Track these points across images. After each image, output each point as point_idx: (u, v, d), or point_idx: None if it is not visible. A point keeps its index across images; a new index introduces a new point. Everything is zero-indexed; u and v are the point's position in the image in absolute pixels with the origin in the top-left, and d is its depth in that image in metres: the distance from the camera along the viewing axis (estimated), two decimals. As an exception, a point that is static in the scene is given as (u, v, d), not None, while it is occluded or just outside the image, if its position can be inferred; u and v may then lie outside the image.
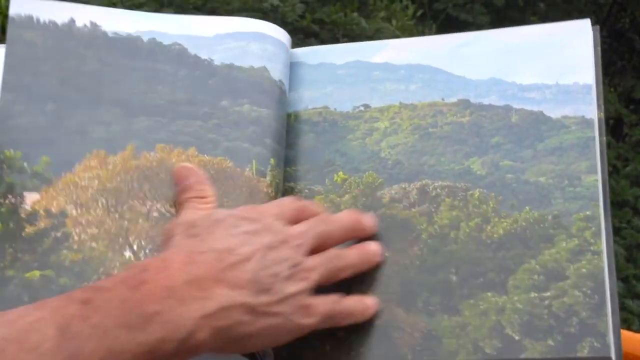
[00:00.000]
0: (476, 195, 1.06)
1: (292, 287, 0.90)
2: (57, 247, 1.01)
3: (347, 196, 1.09)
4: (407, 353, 0.99)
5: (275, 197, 1.06)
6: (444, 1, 3.99)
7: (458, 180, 1.08)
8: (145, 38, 1.14)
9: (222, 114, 1.10)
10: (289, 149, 1.13)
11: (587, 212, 1.01)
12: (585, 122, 1.07)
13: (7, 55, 1.08)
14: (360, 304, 0.99)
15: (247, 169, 1.07)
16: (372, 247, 1.02)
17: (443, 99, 1.14)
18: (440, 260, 1.03)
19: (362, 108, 1.16)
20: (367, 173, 1.10)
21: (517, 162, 1.07)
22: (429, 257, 1.03)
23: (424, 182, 1.08)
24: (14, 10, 1.10)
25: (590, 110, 1.07)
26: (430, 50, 1.17)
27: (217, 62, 1.14)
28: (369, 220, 1.04)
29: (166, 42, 1.14)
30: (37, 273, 0.99)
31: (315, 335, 0.99)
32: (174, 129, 1.09)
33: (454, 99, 1.14)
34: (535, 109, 1.10)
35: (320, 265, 0.93)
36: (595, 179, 1.03)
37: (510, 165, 1.07)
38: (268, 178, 1.08)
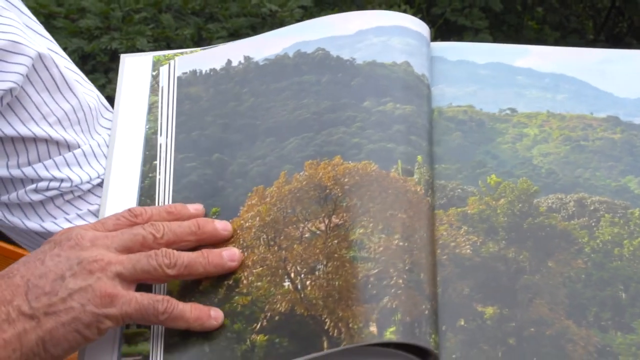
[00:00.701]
0: (637, 214, 1.04)
1: (79, 282, 0.91)
2: (230, 294, 0.98)
3: (502, 200, 1.04)
4: None
5: (425, 195, 1.01)
6: (442, 6, 3.99)
7: (616, 197, 1.05)
8: (291, 53, 1.14)
9: (365, 116, 1.07)
10: (436, 146, 1.08)
11: None
12: None
13: (178, 115, 1.11)
14: (198, 311, 0.96)
15: (393, 170, 1.02)
16: (225, 252, 1.00)
17: (592, 113, 1.12)
18: (606, 276, 1.00)
19: (508, 112, 1.12)
20: (521, 179, 1.06)
21: (674, 185, 1.06)
22: (595, 271, 1.00)
23: (581, 195, 1.05)
24: (180, 69, 1.14)
25: None
26: (575, 62, 1.14)
27: (359, 61, 1.11)
28: (215, 225, 1.01)
29: (310, 50, 1.13)
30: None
31: (486, 340, 0.95)
32: (319, 141, 1.06)
33: (603, 115, 1.11)
34: (686, 132, 1.10)
35: (128, 261, 0.93)
36: None
37: None
38: (416, 176, 1.02)
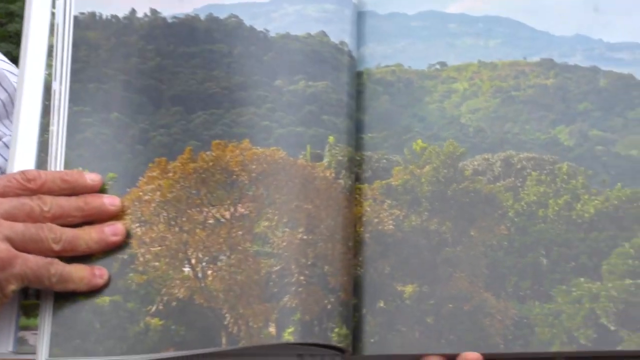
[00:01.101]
0: (564, 169, 1.02)
1: None
2: (124, 270, 0.97)
3: (427, 167, 1.04)
4: (499, 342, 0.96)
5: (337, 177, 1.01)
6: None
7: (544, 152, 1.03)
8: (202, 15, 1.08)
9: (276, 96, 1.04)
10: (363, 113, 1.07)
11: None
12: None
13: (73, 62, 1.05)
14: (82, 271, 0.96)
15: (302, 156, 1.01)
16: (107, 227, 0.98)
17: (525, 58, 1.08)
18: (529, 241, 0.99)
19: (438, 66, 1.10)
20: (447, 142, 1.05)
21: (607, 132, 1.02)
22: (517, 237, 1.00)
23: (508, 153, 1.04)
24: (77, 7, 1.06)
25: None
26: (510, 0, 1.09)
27: (272, 33, 1.08)
28: (103, 201, 0.98)
29: (222, 15, 1.08)
30: (107, 299, 0.96)
31: (404, 320, 0.97)
32: (228, 120, 1.03)
33: (536, 58, 1.08)
34: (625, 71, 1.05)
35: (17, 226, 0.92)
36: None
37: (599, 135, 1.02)
38: (326, 160, 1.02)
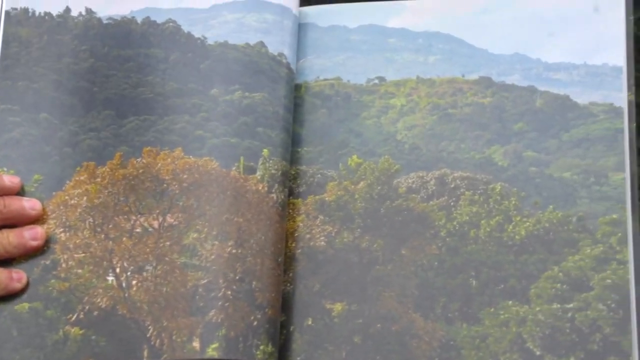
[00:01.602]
0: (497, 190, 1.01)
1: None
2: (46, 276, 0.96)
3: (361, 183, 1.03)
4: None
5: (270, 191, 1.00)
6: None
7: (478, 171, 1.03)
8: (139, 18, 1.07)
9: (211, 105, 1.03)
10: (300, 126, 1.06)
11: (614, 216, 0.98)
12: (614, 111, 1.02)
13: (3, 58, 1.03)
14: (6, 277, 0.94)
15: (234, 168, 1.00)
16: (27, 231, 0.96)
17: (463, 75, 1.07)
18: (459, 262, 0.99)
19: (376, 81, 1.09)
20: (382, 158, 1.04)
21: (542, 154, 1.02)
22: (448, 257, 1.00)
23: (442, 171, 1.03)
24: (9, 3, 1.04)
25: (620, 97, 1.02)
26: (451, 16, 1.09)
27: (210, 41, 1.06)
28: (23, 204, 0.97)
29: (160, 19, 1.07)
30: (26, 305, 0.95)
31: (332, 339, 0.97)
32: (161, 127, 1.02)
33: (475, 76, 1.07)
34: (562, 92, 1.05)
35: None
36: (623, 177, 0.99)
37: (534, 156, 1.02)
38: (259, 173, 1.01)
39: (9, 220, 0.95)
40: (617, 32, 1.03)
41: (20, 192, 0.98)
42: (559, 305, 0.96)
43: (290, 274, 1.00)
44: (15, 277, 0.95)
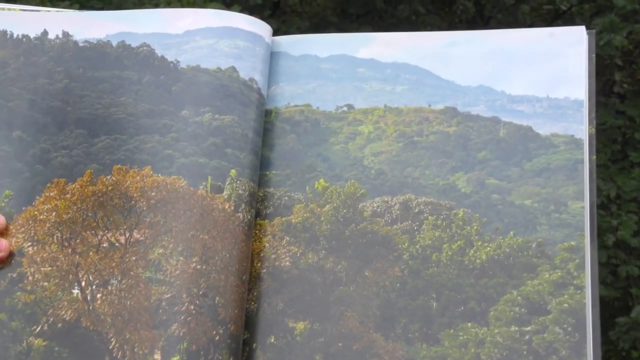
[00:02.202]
0: (460, 215, 1.04)
1: None
2: (12, 288, 0.97)
3: (327, 206, 1.06)
4: None
5: (236, 211, 1.02)
6: None
7: (442, 197, 1.05)
8: (114, 42, 1.10)
9: (181, 126, 1.05)
10: (269, 150, 1.09)
11: (572, 243, 1.00)
12: (575, 143, 1.04)
13: None
14: None
15: (202, 187, 1.02)
16: None
17: (430, 105, 1.10)
18: (421, 284, 1.01)
19: (345, 108, 1.12)
20: (349, 182, 1.07)
21: (504, 182, 1.05)
22: (410, 279, 1.01)
23: (407, 196, 1.06)
24: None
25: (581, 129, 1.04)
26: (419, 48, 1.12)
27: (183, 65, 1.09)
28: None
29: (135, 43, 1.10)
30: None
31: (294, 357, 0.98)
32: (132, 146, 1.04)
33: (441, 106, 1.10)
34: (525, 123, 1.07)
35: None
36: (582, 206, 1.01)
37: (496, 184, 1.05)
38: (226, 192, 1.03)
39: None
40: (579, 67, 1.06)
41: None
42: (517, 328, 0.97)
43: (255, 293, 1.02)
44: None
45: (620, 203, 3.54)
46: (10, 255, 0.98)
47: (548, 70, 1.08)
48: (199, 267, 0.98)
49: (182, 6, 2.90)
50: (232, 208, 1.01)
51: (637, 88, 3.94)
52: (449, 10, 4.43)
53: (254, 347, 0.99)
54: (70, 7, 2.89)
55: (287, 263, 1.03)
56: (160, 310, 0.95)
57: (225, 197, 1.02)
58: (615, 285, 3.50)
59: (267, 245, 1.04)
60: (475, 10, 4.45)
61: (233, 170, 1.03)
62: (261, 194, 1.06)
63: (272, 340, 1.00)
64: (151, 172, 1.02)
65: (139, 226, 1.00)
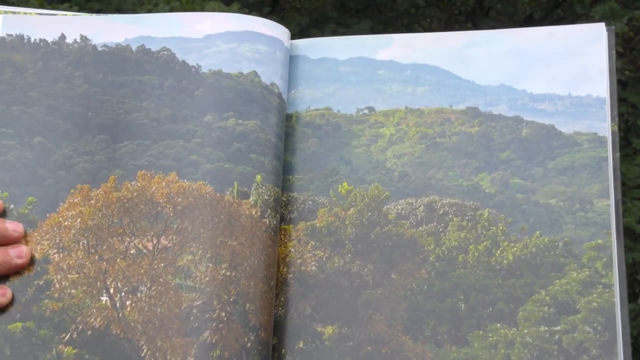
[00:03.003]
0: (485, 216, 1.04)
1: None
2: (39, 296, 0.97)
3: (352, 210, 1.05)
4: None
5: (262, 216, 1.02)
6: None
7: (466, 198, 1.05)
8: (134, 46, 1.09)
9: (205, 131, 1.05)
10: (291, 155, 1.08)
11: (599, 241, 1.00)
12: (598, 141, 1.04)
13: None
14: None
15: (228, 193, 1.02)
16: (12, 249, 0.97)
17: (451, 106, 1.10)
18: (448, 286, 1.01)
19: (366, 111, 1.12)
20: (372, 185, 1.06)
21: (528, 181, 1.05)
22: (437, 281, 1.01)
23: (431, 198, 1.05)
24: (5, 29, 1.06)
25: (604, 126, 1.04)
26: (438, 49, 1.12)
27: (204, 69, 1.08)
28: (5, 226, 0.98)
29: (155, 47, 1.09)
30: (19, 325, 0.95)
31: (322, 362, 0.98)
32: (156, 152, 1.04)
33: (462, 106, 1.10)
34: (547, 122, 1.07)
35: None
36: (607, 204, 1.01)
37: (520, 183, 1.05)
38: (252, 198, 1.02)
39: None
40: (599, 64, 1.06)
41: (3, 214, 0.99)
42: (546, 328, 0.97)
43: (282, 298, 1.01)
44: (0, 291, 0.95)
45: (625, 190, 3.54)
46: (32, 261, 0.97)
47: (569, 68, 1.08)
48: (228, 273, 0.97)
49: (182, 5, 2.89)
50: (259, 214, 1.01)
51: (639, 75, 3.94)
52: (448, 1, 4.43)
53: (282, 352, 0.99)
54: (69, 9, 2.88)
55: (313, 267, 1.03)
56: (192, 318, 0.95)
57: (252, 202, 1.01)
58: (622, 272, 3.50)
59: (292, 250, 1.03)
60: (474, 0, 4.44)
61: (258, 176, 1.03)
62: (285, 199, 1.06)
63: (301, 345, 1.00)
64: (177, 178, 1.02)
65: (166, 232, 1.00)
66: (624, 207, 3.44)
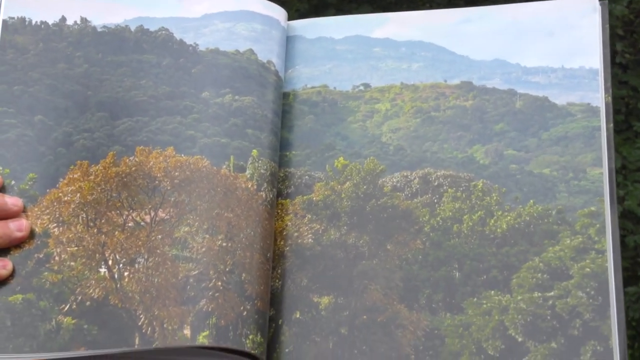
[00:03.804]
0: (479, 187, 1.05)
1: None
2: (39, 269, 0.99)
3: (348, 183, 1.07)
4: (410, 353, 0.99)
5: (259, 190, 1.04)
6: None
7: (461, 170, 1.06)
8: (132, 27, 1.11)
9: (202, 107, 1.07)
10: (288, 132, 1.10)
11: (592, 208, 1.00)
12: (591, 111, 1.05)
13: (0, 64, 1.07)
14: None
15: (225, 166, 1.04)
16: (12, 222, 0.98)
17: (446, 81, 1.11)
18: (442, 255, 1.02)
19: (362, 87, 1.13)
20: (368, 159, 1.08)
21: (522, 152, 1.06)
22: (432, 251, 1.02)
23: (426, 170, 1.07)
24: (7, 12, 1.08)
25: (597, 97, 1.05)
26: (433, 26, 1.13)
27: (202, 47, 1.10)
28: (5, 200, 0.99)
29: (153, 28, 1.11)
30: (19, 297, 0.97)
31: (319, 331, 0.99)
32: (154, 127, 1.06)
33: (457, 81, 1.11)
34: (540, 94, 1.08)
35: None
36: (601, 172, 1.02)
37: (514, 154, 1.06)
38: (248, 172, 1.04)
39: None
40: (592, 37, 1.07)
41: (3, 190, 1.01)
42: (539, 294, 0.98)
43: (279, 271, 1.03)
44: (0, 264, 0.97)
45: (626, 173, 3.51)
46: (32, 235, 0.99)
47: (562, 41, 1.09)
48: (224, 244, 0.99)
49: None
50: (255, 187, 1.03)
51: (639, 58, 3.91)
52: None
53: (280, 323, 1.01)
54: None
55: (310, 240, 1.04)
56: (188, 287, 0.97)
57: (248, 176, 1.03)
58: (624, 255, 3.47)
59: (289, 223, 1.05)
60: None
61: (254, 150, 1.04)
62: (282, 174, 1.07)
63: (298, 316, 1.01)
64: (174, 153, 1.04)
65: (163, 205, 1.01)
66: (625, 191, 3.41)
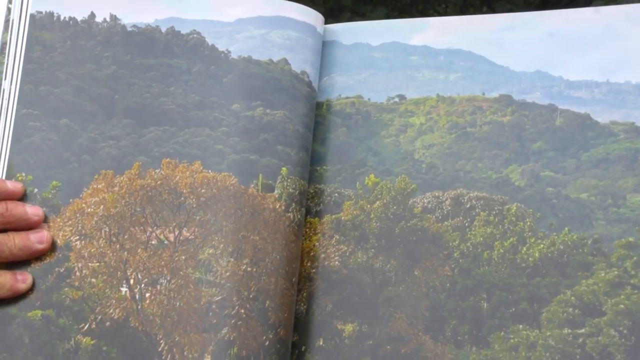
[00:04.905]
0: (513, 211, 1.01)
1: None
2: (60, 284, 0.97)
3: (377, 203, 1.04)
4: None
5: (286, 210, 1.01)
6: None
7: (495, 191, 1.02)
8: (163, 28, 1.07)
9: (232, 120, 1.03)
10: (320, 145, 1.07)
11: (630, 239, 0.96)
12: (635, 131, 1.00)
13: (26, 61, 1.03)
14: (4, 277, 0.94)
15: (253, 185, 1.01)
16: (33, 234, 0.96)
17: (484, 93, 1.07)
18: (471, 284, 0.99)
19: (397, 99, 1.09)
20: (399, 177, 1.04)
21: (559, 174, 1.01)
22: (460, 279, 0.99)
23: (458, 191, 1.03)
24: (34, 6, 1.04)
25: None
26: (474, 33, 1.08)
27: (234, 55, 1.06)
28: (25, 209, 0.96)
29: (184, 30, 1.07)
30: (38, 312, 0.96)
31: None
32: (181, 139, 1.03)
33: (495, 94, 1.06)
34: (582, 110, 1.03)
35: None
36: None
37: (551, 176, 1.01)
38: (277, 191, 1.02)
39: (11, 224, 0.95)
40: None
41: (24, 198, 0.99)
42: (569, 331, 0.95)
43: (305, 294, 1.01)
44: (19, 278, 0.96)
45: None
46: (54, 247, 0.98)
47: (608, 52, 1.03)
48: (249, 269, 0.97)
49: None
50: (283, 208, 1.00)
51: None
52: (467, -18, 4.24)
53: (302, 349, 0.99)
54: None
55: (337, 263, 1.02)
56: (210, 313, 0.96)
57: (276, 196, 1.01)
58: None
59: (317, 244, 1.03)
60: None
61: (284, 168, 1.02)
62: (312, 191, 1.05)
63: (321, 343, 1.00)
64: (201, 168, 1.01)
65: (188, 224, 0.99)
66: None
